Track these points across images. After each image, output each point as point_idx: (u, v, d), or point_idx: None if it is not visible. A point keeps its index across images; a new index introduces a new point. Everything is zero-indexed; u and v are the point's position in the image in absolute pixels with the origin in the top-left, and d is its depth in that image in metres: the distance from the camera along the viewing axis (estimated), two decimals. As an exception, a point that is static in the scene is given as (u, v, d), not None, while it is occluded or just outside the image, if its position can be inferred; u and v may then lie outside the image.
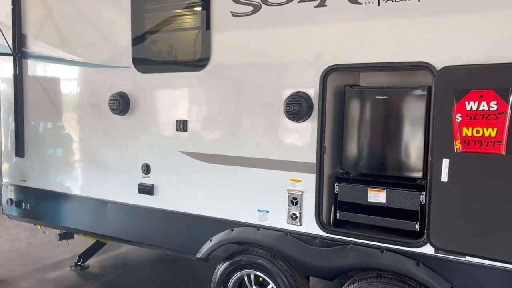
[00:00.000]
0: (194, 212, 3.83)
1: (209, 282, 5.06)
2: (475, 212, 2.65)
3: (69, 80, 4.56)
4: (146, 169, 4.06)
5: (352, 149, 3.30)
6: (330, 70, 3.12)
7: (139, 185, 4.09)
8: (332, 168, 3.38)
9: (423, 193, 2.98)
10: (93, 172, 4.45)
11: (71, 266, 5.52)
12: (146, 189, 4.05)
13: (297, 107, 3.19)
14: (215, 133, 3.70)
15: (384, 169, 3.22)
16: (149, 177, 4.06)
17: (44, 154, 4.79)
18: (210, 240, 3.73)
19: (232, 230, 3.63)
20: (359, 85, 3.37)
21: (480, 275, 2.74)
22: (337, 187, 3.31)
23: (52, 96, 4.65)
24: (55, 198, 4.68)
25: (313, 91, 3.19)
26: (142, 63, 4.03)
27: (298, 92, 3.22)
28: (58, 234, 5.32)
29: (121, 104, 4.08)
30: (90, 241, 5.52)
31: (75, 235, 5.31)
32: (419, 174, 3.06)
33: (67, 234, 5.33)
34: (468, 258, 2.74)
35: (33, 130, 4.84)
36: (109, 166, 4.32)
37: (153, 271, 5.51)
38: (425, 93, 2.98)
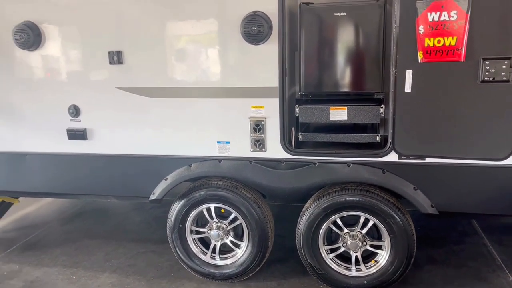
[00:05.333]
0: (142, 152, 3.52)
1: (143, 224, 4.90)
2: (436, 117, 2.89)
3: None
4: (75, 111, 3.54)
5: (310, 70, 3.28)
6: (289, -13, 2.97)
7: (68, 130, 3.58)
8: (290, 92, 3.33)
9: (383, 106, 3.15)
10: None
11: (-25, 236, 4.78)
12: (78, 134, 3.57)
13: (257, 28, 3.01)
14: (160, 62, 3.31)
15: (342, 87, 3.28)
16: (80, 120, 3.56)
17: None
18: (165, 180, 3.50)
19: (190, 166, 3.44)
20: (313, 3, 3.28)
21: (437, 173, 3.06)
22: (298, 109, 3.30)
23: None
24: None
25: (271, 10, 3.01)
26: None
27: (256, 11, 3.01)
28: None
29: (31, 36, 3.40)
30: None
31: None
32: (377, 88, 3.19)
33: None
34: (427, 160, 3.03)
35: None
36: (23, 112, 3.65)
37: (79, 224, 5.05)
38: (382, 8, 3.03)
